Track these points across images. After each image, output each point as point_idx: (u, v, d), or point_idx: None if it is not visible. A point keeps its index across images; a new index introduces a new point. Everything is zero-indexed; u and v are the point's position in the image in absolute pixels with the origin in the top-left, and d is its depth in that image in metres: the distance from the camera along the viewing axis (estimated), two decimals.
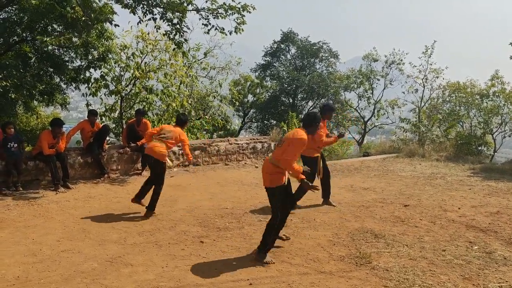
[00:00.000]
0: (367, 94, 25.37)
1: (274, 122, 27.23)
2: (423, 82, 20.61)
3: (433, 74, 20.27)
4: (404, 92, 22.01)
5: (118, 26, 10.86)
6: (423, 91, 20.63)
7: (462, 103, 17.30)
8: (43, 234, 5.42)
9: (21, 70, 10.31)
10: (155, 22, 9.43)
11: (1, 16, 11.20)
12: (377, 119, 26.04)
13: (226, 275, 4.27)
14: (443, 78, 19.71)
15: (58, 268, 4.35)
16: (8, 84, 9.26)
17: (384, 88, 25.04)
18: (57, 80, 12.14)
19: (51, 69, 11.61)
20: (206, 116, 15.94)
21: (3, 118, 10.95)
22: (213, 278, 4.20)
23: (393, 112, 24.14)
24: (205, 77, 17.09)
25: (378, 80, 25.03)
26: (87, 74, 11.95)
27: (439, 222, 6.18)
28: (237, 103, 25.47)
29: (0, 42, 11.84)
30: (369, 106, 25.91)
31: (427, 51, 20.01)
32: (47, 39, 9.18)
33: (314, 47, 30.14)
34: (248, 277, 4.23)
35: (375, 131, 28.72)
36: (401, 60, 23.53)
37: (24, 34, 11.38)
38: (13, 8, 11.25)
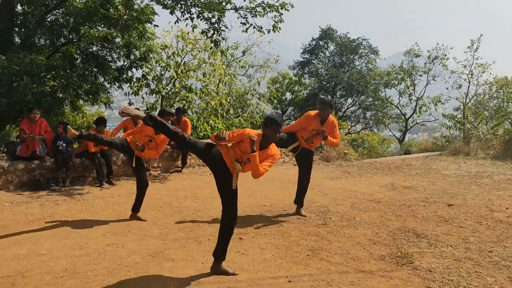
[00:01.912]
0: (409, 91, 24.76)
1: None
2: (468, 78, 19.86)
3: (479, 69, 19.49)
4: (448, 88, 21.31)
5: (158, 26, 11.11)
6: (468, 86, 19.88)
7: (511, 99, 16.54)
8: (89, 229, 5.63)
9: (68, 70, 10.72)
10: (192, 22, 9.58)
11: (49, 19, 11.71)
12: (418, 116, 25.35)
13: (264, 272, 4.28)
14: (490, 73, 18.92)
15: (103, 261, 4.51)
16: (56, 84, 9.66)
17: (426, 84, 24.34)
18: (101, 79, 12.55)
19: (96, 69, 12.01)
20: (245, 114, 16.00)
21: (52, 117, 11.43)
22: (252, 274, 4.23)
23: (436, 109, 23.45)
24: (243, 75, 17.20)
25: (420, 76, 24.37)
26: (129, 73, 12.29)
27: (486, 223, 5.95)
28: (275, 101, 25.43)
29: (48, 44, 12.39)
30: (411, 103, 25.29)
31: (472, 45, 19.26)
32: (91, 31, 9.52)
33: (354, 44, 29.62)
34: (287, 274, 4.23)
35: (417, 129, 28.01)
36: (445, 55, 22.78)
37: (70, 36, 11.84)
38: (60, 11, 11.73)
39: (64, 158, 8.10)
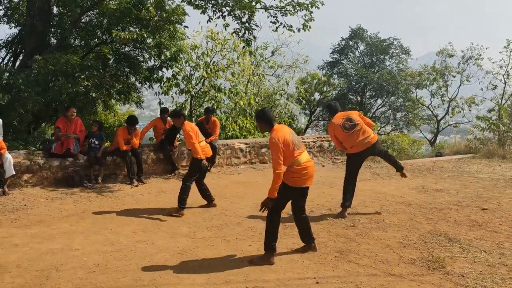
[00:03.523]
0: (441, 92, 24.20)
1: None
2: (504, 78, 19.26)
3: None
4: (482, 89, 20.71)
5: (188, 27, 11.25)
6: (504, 87, 19.29)
7: None
8: (120, 225, 5.76)
9: (101, 70, 10.98)
10: (224, 20, 9.66)
11: (84, 20, 12.03)
12: (451, 117, 24.74)
13: (292, 273, 4.27)
14: None
15: (133, 258, 4.60)
16: (89, 84, 9.91)
17: (460, 85, 23.75)
18: (133, 79, 12.80)
19: (127, 69, 12.27)
20: (274, 114, 16.00)
21: (85, 116, 11.73)
22: (280, 275, 4.23)
23: (469, 110, 22.84)
24: (272, 75, 17.18)
25: (454, 76, 23.79)
26: (160, 73, 12.49)
27: None
28: (303, 101, 25.30)
29: (82, 45, 12.73)
30: (443, 104, 24.71)
31: (509, 45, 18.67)
32: (121, 34, 9.73)
33: (384, 44, 29.15)
34: (314, 275, 4.21)
35: (449, 130, 27.32)
36: (480, 55, 22.15)
37: (104, 37, 12.12)
38: (94, 12, 12.03)
39: (95, 156, 8.28)
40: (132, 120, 8.70)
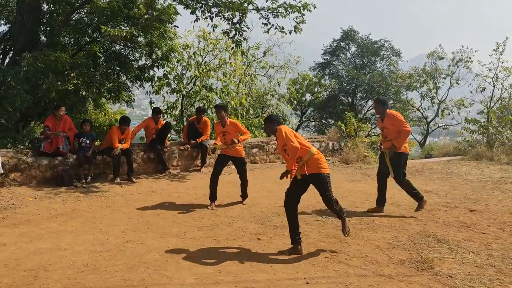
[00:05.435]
0: (431, 94, 24.41)
1: (332, 121, 26.84)
2: (493, 81, 19.49)
3: (504, 72, 19.12)
4: (471, 92, 20.93)
5: (178, 27, 11.21)
6: (493, 90, 19.51)
7: None
8: (110, 225, 5.72)
9: (91, 69, 10.90)
10: (211, 21, 9.64)
11: (74, 18, 11.93)
12: (441, 119, 24.97)
13: (282, 273, 4.28)
14: None
15: (123, 258, 4.57)
16: (79, 82, 9.83)
17: (449, 87, 23.96)
18: (123, 78, 12.73)
19: (118, 68, 12.20)
20: (264, 115, 16.01)
21: (75, 115, 11.64)
22: (270, 275, 4.23)
23: (459, 113, 23.07)
24: (263, 75, 17.18)
25: (444, 78, 23.99)
26: (151, 72, 12.44)
27: (509, 229, 5.81)
28: (295, 102, 25.36)
29: (72, 43, 12.63)
30: (433, 106, 24.94)
31: (498, 48, 18.90)
32: (110, 30, 9.65)
33: (375, 45, 29.34)
34: (304, 276, 4.22)
35: (439, 132, 27.57)
36: (470, 58, 22.38)
37: (94, 35, 12.04)
38: (84, 11, 11.95)
39: (86, 155, 8.21)
40: (124, 120, 8.69)
